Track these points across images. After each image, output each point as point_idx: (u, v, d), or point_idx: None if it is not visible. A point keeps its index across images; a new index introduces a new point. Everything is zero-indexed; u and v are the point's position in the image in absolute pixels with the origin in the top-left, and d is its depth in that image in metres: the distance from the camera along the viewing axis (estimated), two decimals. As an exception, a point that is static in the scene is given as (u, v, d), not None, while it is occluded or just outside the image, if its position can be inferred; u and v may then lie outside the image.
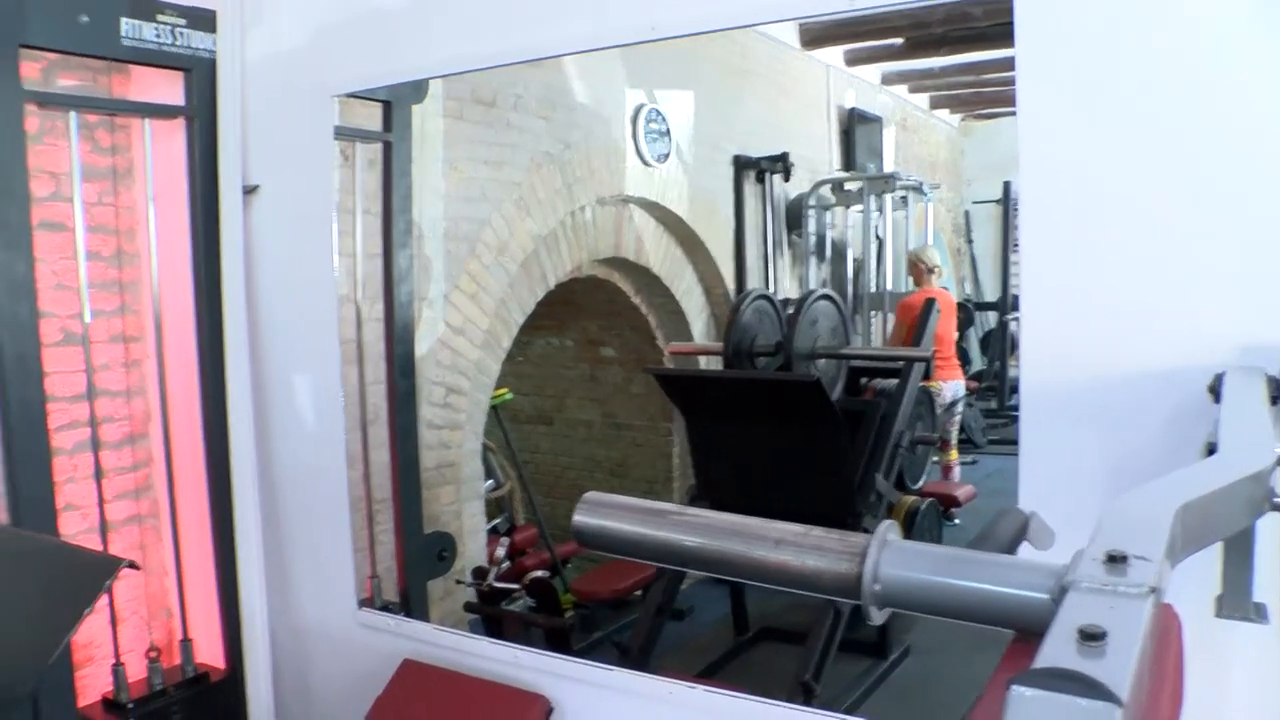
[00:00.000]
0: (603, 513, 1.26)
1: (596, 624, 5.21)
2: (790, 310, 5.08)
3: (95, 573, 1.57)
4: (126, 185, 3.49)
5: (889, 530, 1.07)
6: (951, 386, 7.12)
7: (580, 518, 1.26)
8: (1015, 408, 10.25)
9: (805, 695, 3.90)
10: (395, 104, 3.79)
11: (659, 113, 6.01)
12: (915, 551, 1.06)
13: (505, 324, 5.01)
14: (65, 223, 3.23)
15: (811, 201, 7.80)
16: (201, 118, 3.36)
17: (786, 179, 7.34)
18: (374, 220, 3.86)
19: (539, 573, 5.11)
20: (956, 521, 6.46)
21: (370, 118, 3.79)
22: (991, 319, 11.11)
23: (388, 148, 3.81)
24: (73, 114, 3.19)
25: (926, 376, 5.20)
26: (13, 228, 2.91)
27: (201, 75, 3.34)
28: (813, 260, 7.93)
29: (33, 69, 3.06)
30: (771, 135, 7.26)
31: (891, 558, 1.04)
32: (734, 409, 4.59)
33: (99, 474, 3.34)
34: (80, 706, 3.19)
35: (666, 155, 6.09)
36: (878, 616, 1.06)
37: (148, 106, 3.37)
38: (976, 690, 4.75)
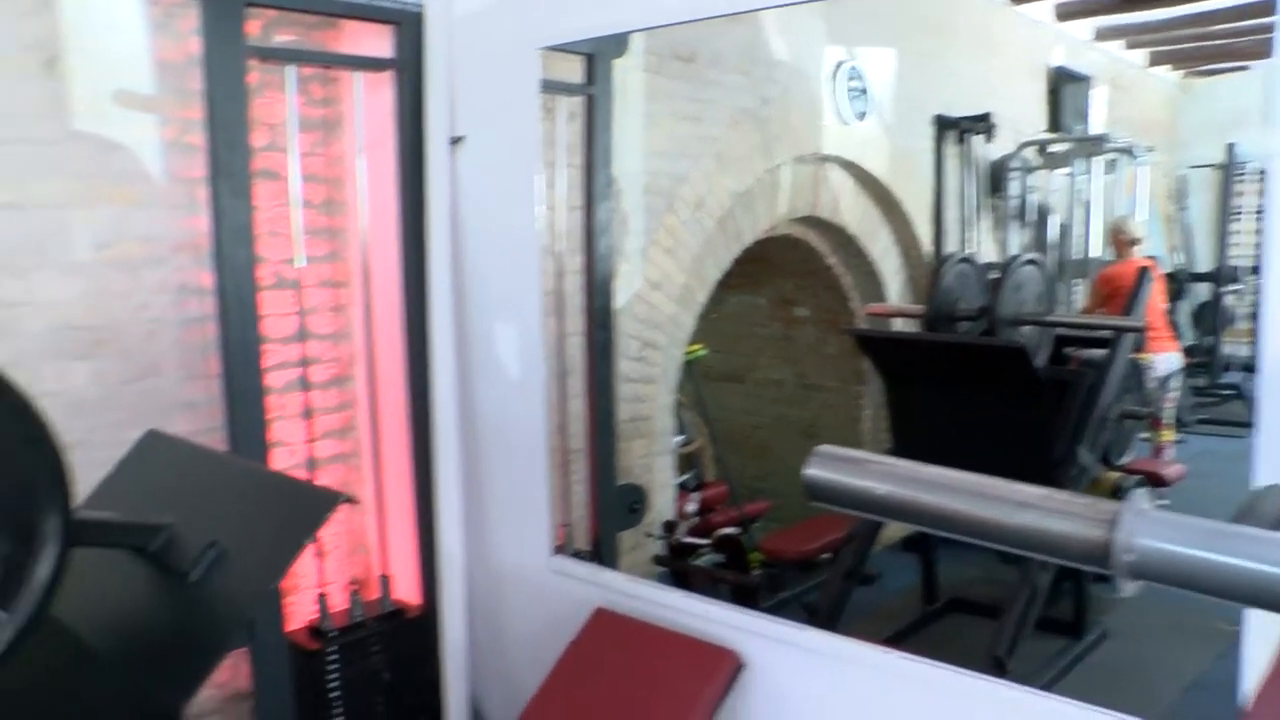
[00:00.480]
0: (836, 466, 1.20)
1: (784, 584, 5.18)
2: (993, 275, 4.90)
3: (316, 505, 1.62)
4: (336, 136, 3.59)
5: (1142, 498, 0.99)
6: (1165, 359, 6.66)
7: (812, 470, 1.20)
8: (1228, 385, 9.72)
9: (997, 671, 3.78)
10: (597, 58, 3.81)
11: (858, 70, 5.85)
12: (1174, 523, 0.98)
13: (701, 280, 4.99)
14: (279, 172, 3.34)
15: (1015, 164, 7.48)
16: (409, 70, 3.42)
17: (989, 140, 7.08)
18: (574, 173, 3.89)
19: (728, 530, 5.11)
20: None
21: (570, 72, 3.81)
22: (1204, 291, 10.47)
23: (590, 101, 3.83)
24: (290, 68, 3.30)
25: (1138, 348, 4.94)
26: (237, 176, 3.03)
27: (409, 29, 3.40)
28: (1014, 224, 7.64)
29: (254, 25, 3.17)
30: (974, 94, 6.98)
31: (1147, 527, 0.97)
32: (934, 373, 4.47)
33: (307, 413, 3.48)
34: (287, 631, 3.34)
35: (865, 113, 5.92)
36: (1129, 588, 0.99)
37: (358, 60, 3.46)
38: (1180, 682, 4.50)
